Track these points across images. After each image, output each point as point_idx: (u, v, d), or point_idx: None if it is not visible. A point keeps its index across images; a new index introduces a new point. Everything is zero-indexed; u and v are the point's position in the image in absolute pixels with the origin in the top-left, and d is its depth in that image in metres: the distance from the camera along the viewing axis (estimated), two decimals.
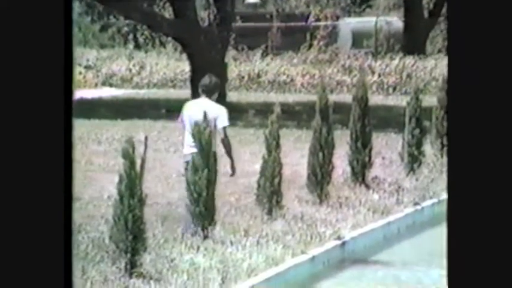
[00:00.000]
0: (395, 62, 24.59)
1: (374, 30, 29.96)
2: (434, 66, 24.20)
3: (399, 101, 18.23)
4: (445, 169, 11.36)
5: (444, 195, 10.30)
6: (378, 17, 30.60)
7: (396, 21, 30.44)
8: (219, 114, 8.01)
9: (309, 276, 7.52)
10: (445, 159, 11.77)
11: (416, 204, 9.81)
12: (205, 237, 7.53)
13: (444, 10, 30.34)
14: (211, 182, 7.58)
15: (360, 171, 10.24)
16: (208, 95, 8.22)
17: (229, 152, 8.17)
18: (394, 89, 23.11)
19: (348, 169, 10.32)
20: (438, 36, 31.79)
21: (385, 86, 23.17)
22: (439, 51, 29.91)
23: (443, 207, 10.10)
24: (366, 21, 30.62)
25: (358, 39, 30.08)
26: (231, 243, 7.50)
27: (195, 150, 7.63)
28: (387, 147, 12.07)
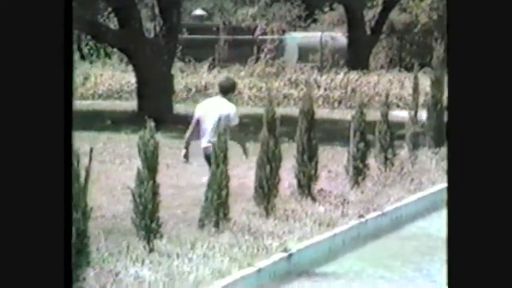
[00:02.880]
0: (340, 76, 24.84)
1: (319, 45, 30.22)
2: (377, 82, 24.51)
3: (344, 114, 18.41)
4: (388, 182, 11.50)
5: (387, 208, 10.43)
6: (322, 32, 30.89)
7: (340, 37, 30.77)
8: (231, 112, 9.02)
9: None
10: (388, 172, 11.91)
11: (360, 216, 9.91)
12: (151, 250, 7.49)
13: (385, 28, 30.81)
14: (156, 194, 7.56)
15: (306, 184, 10.31)
16: (224, 94, 9.22)
17: (243, 145, 9.36)
18: (340, 103, 23.33)
19: (295, 182, 10.37)
20: (380, 52, 32.21)
21: (331, 100, 23.39)
22: (382, 67, 30.32)
23: (387, 220, 10.23)
24: (312, 36, 30.89)
25: (304, 53, 30.32)
26: (178, 256, 7.47)
27: (207, 145, 8.79)
28: (333, 160, 12.18)
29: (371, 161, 11.74)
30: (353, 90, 23.40)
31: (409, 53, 31.88)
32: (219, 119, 8.89)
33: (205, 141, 9.04)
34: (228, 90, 9.29)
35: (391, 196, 10.93)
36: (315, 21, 33.61)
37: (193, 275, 7.06)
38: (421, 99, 14.90)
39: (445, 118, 14.84)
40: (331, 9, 33.43)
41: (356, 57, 28.32)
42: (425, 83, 15.80)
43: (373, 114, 13.00)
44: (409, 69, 25.53)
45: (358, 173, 11.25)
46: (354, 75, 24.89)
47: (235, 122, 9.07)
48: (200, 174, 9.96)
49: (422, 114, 14.45)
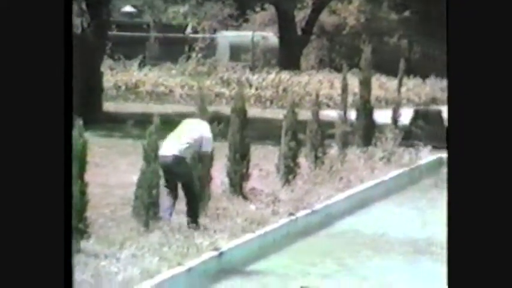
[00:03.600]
0: (272, 76, 24.94)
1: (251, 45, 30.28)
2: (308, 82, 24.70)
3: (276, 114, 18.49)
4: (318, 180, 11.59)
5: (317, 206, 10.52)
6: (254, 32, 30.97)
7: (272, 37, 30.90)
8: (208, 141, 9.06)
9: (186, 287, 7.49)
10: (318, 171, 12.01)
11: (291, 214, 9.96)
12: (78, 250, 7.37)
13: (315, 29, 31.11)
14: (84, 193, 7.44)
15: (237, 183, 10.32)
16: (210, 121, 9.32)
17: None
18: (271, 102, 23.42)
19: (226, 180, 10.36)
20: (311, 53, 32.47)
21: (263, 99, 23.46)
22: (312, 67, 30.56)
23: (317, 218, 10.32)
24: (243, 36, 30.92)
25: (235, 52, 30.32)
26: (105, 256, 7.37)
27: (168, 154, 8.73)
28: (264, 159, 12.22)
29: (302, 159, 11.81)
30: (284, 90, 23.52)
31: (338, 54, 32.22)
32: (195, 140, 8.88)
33: (165, 149, 8.81)
34: (213, 120, 9.40)
35: (321, 194, 11.02)
36: (246, 20, 33.67)
37: (121, 275, 6.97)
38: (350, 99, 15.07)
39: (373, 117, 15.05)
40: (263, 9, 33.54)
41: (287, 57, 28.48)
42: (354, 83, 15.99)
43: (304, 114, 13.08)
44: (338, 69, 25.80)
45: (289, 171, 11.31)
46: (285, 75, 25.02)
47: (207, 149, 9.04)
48: (130, 172, 9.86)
49: (351, 114, 14.63)
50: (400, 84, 16.54)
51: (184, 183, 8.87)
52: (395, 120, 15.45)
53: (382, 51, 28.59)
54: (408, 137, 15.67)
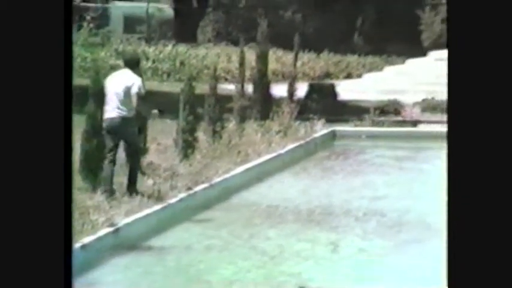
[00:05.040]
0: (169, 48, 24.71)
1: (146, 16, 29.90)
2: (206, 55, 24.59)
3: (173, 87, 18.35)
4: (216, 154, 11.59)
5: (216, 179, 10.53)
6: (148, 3, 30.57)
7: (167, 9, 30.59)
8: (136, 83, 9.22)
9: (81, 264, 7.36)
10: (216, 145, 12.01)
11: (189, 189, 9.93)
12: None
13: (211, 1, 31.00)
14: None
15: None
16: (129, 67, 9.42)
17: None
18: (169, 75, 23.21)
19: (123, 155, 10.22)
20: (208, 26, 32.36)
21: (160, 72, 23.22)
22: (209, 40, 30.46)
23: (215, 191, 10.33)
24: (137, 7, 30.49)
25: (130, 24, 29.88)
26: None
27: (113, 115, 9.07)
28: (162, 133, 12.11)
29: (200, 134, 11.77)
30: (182, 63, 23.35)
31: (235, 28, 32.24)
32: (125, 90, 9.13)
33: (108, 112, 9.16)
34: (132, 63, 9.48)
35: (219, 168, 11.02)
36: None
37: None
38: (248, 73, 15.12)
39: (270, 91, 15.15)
40: None
41: (184, 30, 28.27)
42: (251, 57, 16.03)
43: (202, 87, 13.01)
44: (235, 43, 25.81)
45: (188, 145, 11.26)
46: (182, 47, 24.83)
47: (141, 92, 9.19)
48: None
49: (249, 88, 14.66)
50: (295, 59, 16.68)
51: (129, 143, 9.25)
52: (291, 94, 15.60)
53: (278, 25, 28.76)
54: (303, 111, 15.86)
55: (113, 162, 9.17)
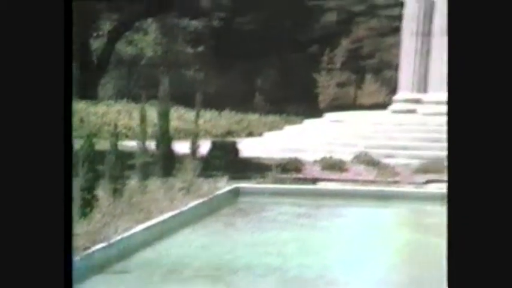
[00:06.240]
0: None
1: None
2: (106, 112, 24.38)
3: (73, 144, 18.02)
4: (117, 212, 11.38)
5: (115, 238, 10.31)
6: None
7: None
8: None
9: None
10: (117, 203, 11.80)
11: (86, 248, 9.69)
12: None
13: (112, 58, 30.88)
14: None
15: None
16: None
17: None
18: None
19: None
20: (109, 83, 32.22)
21: None
22: (110, 97, 30.27)
23: (114, 251, 10.10)
24: None
25: None
26: None
27: None
28: None
29: (100, 191, 11.57)
30: (81, 120, 23.05)
31: (137, 85, 32.19)
32: None
33: None
34: None
35: (119, 227, 10.82)
36: None
37: None
38: (149, 130, 15.04)
39: (172, 147, 15.13)
40: None
41: (84, 87, 28.02)
42: (152, 114, 16.00)
43: (103, 144, 12.83)
44: (136, 100, 25.71)
45: (86, 204, 11.02)
46: (82, 104, 24.55)
47: None
48: None
49: (151, 145, 14.57)
50: (197, 116, 16.73)
51: None
52: (194, 151, 15.59)
53: (180, 83, 28.87)
54: (207, 167, 15.85)
55: None
